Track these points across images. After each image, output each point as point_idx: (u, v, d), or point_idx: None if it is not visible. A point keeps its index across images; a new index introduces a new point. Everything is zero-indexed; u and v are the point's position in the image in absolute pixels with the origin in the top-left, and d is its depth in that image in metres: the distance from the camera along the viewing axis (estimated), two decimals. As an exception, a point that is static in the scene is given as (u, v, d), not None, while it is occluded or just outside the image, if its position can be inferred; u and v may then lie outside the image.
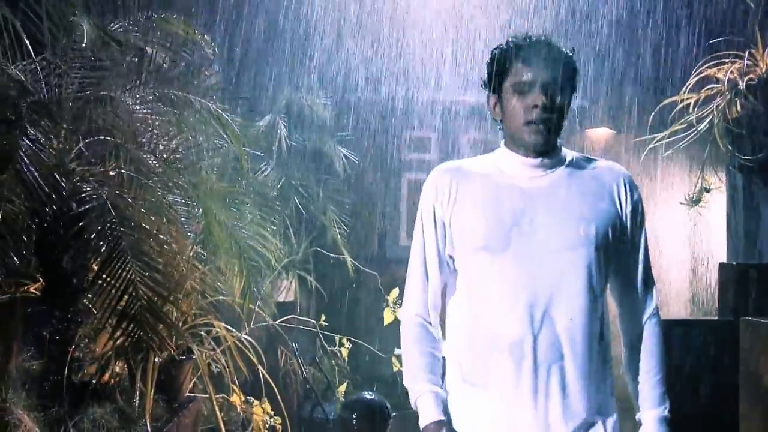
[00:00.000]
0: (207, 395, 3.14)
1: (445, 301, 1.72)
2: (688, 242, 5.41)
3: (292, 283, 4.76)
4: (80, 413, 2.27)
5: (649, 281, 1.68)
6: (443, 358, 1.71)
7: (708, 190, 4.15)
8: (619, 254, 1.64)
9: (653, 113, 4.23)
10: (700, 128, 3.74)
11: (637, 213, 1.65)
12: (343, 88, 5.32)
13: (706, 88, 3.76)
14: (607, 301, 1.67)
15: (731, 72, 3.68)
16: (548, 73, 1.58)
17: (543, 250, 1.57)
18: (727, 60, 3.69)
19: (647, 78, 5.18)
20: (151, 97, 2.52)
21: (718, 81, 3.71)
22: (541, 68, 1.58)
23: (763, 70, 3.60)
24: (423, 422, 1.61)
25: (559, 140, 1.66)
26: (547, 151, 1.62)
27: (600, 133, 5.87)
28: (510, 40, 1.61)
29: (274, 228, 2.96)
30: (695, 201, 4.14)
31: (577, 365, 1.53)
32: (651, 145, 4.06)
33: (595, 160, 1.71)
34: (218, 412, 2.55)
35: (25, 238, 2.32)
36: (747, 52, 3.65)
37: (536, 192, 1.62)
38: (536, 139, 1.59)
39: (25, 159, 2.08)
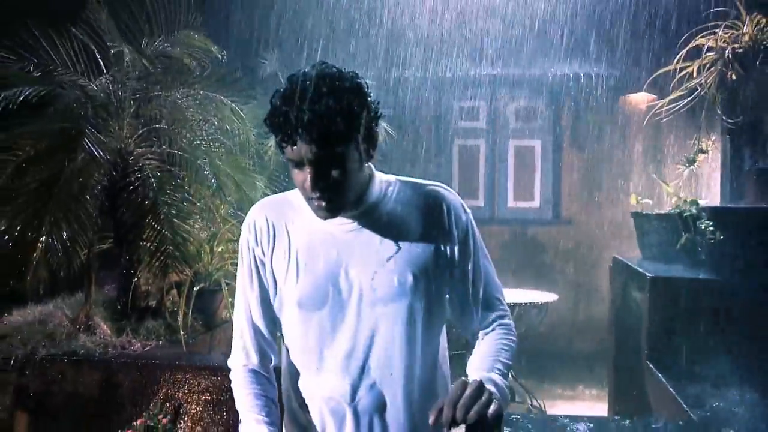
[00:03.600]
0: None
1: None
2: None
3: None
4: (139, 324, 3.21)
5: (494, 297, 1.56)
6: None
7: (704, 151, 4.44)
8: (452, 282, 1.50)
9: (647, 81, 4.61)
10: (693, 95, 4.10)
11: (468, 239, 1.49)
12: (400, 64, 5.98)
13: (704, 55, 4.07)
14: (442, 343, 1.56)
15: (722, 41, 3.99)
16: (312, 152, 1.30)
17: (358, 305, 1.44)
18: (718, 30, 4.00)
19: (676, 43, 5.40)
20: (188, 95, 3.38)
21: (711, 49, 4.03)
22: (303, 147, 1.30)
23: (747, 40, 3.88)
24: None
25: (373, 176, 1.47)
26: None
27: (639, 98, 6.12)
28: (271, 101, 1.32)
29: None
30: (691, 161, 4.44)
31: (401, 418, 1.44)
32: (654, 110, 4.43)
33: (419, 185, 1.52)
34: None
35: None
36: (724, 24, 3.94)
37: (350, 239, 1.46)
38: (322, 214, 1.41)
39: (89, 144, 2.99)
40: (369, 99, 1.36)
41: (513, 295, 4.64)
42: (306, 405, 1.50)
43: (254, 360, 1.54)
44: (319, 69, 1.33)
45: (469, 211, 1.50)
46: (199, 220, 3.32)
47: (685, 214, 2.46)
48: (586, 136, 6.25)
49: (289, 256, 1.46)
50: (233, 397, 1.54)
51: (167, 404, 2.48)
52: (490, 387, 1.31)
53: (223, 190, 3.20)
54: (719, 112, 4.12)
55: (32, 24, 3.13)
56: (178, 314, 3.30)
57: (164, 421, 1.92)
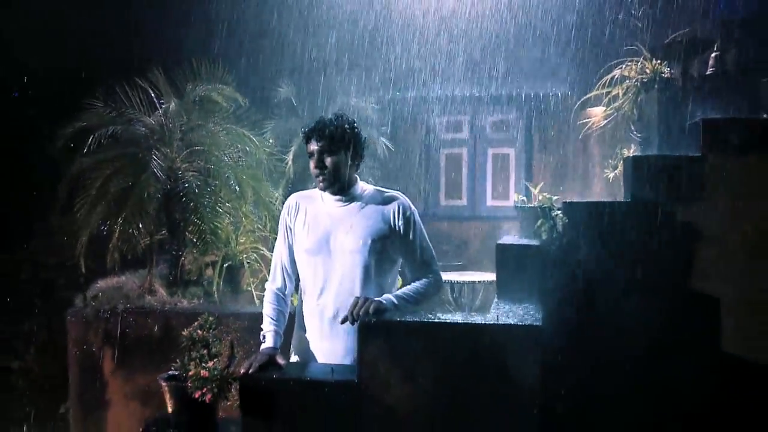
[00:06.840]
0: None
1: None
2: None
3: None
4: (185, 290, 4.49)
5: (427, 263, 2.46)
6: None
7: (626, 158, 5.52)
8: (401, 251, 2.42)
9: (576, 105, 5.75)
10: (611, 115, 5.21)
11: (409, 226, 2.39)
12: (396, 87, 7.11)
13: (625, 82, 5.17)
14: (392, 282, 2.48)
15: (633, 71, 5.09)
16: (317, 146, 2.34)
17: (338, 254, 2.36)
18: (630, 63, 5.09)
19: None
20: (219, 127, 4.65)
21: (627, 78, 5.13)
22: (313, 144, 2.35)
23: (649, 72, 4.98)
24: (263, 347, 2.41)
25: (357, 181, 2.43)
26: (339, 191, 2.39)
27: (598, 111, 7.21)
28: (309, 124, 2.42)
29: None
30: (614, 167, 5.53)
31: (354, 325, 2.24)
32: (588, 125, 5.56)
33: (384, 192, 2.45)
34: (255, 299, 4.58)
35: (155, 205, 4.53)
36: (630, 59, 5.02)
37: (339, 216, 2.39)
38: (321, 187, 2.40)
39: (153, 166, 4.26)
40: (356, 132, 2.40)
41: (479, 276, 5.88)
42: (307, 315, 2.45)
43: (279, 283, 2.52)
44: (335, 113, 2.46)
45: (414, 209, 2.44)
46: (228, 217, 4.57)
47: (543, 206, 3.55)
48: (553, 144, 7.34)
49: (304, 223, 2.43)
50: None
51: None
52: (381, 300, 2.25)
53: (244, 195, 4.47)
54: (632, 128, 5.24)
55: (110, 78, 4.45)
56: (213, 284, 4.59)
57: (211, 319, 3.00)
